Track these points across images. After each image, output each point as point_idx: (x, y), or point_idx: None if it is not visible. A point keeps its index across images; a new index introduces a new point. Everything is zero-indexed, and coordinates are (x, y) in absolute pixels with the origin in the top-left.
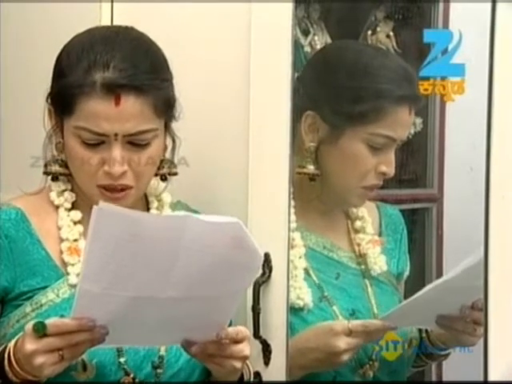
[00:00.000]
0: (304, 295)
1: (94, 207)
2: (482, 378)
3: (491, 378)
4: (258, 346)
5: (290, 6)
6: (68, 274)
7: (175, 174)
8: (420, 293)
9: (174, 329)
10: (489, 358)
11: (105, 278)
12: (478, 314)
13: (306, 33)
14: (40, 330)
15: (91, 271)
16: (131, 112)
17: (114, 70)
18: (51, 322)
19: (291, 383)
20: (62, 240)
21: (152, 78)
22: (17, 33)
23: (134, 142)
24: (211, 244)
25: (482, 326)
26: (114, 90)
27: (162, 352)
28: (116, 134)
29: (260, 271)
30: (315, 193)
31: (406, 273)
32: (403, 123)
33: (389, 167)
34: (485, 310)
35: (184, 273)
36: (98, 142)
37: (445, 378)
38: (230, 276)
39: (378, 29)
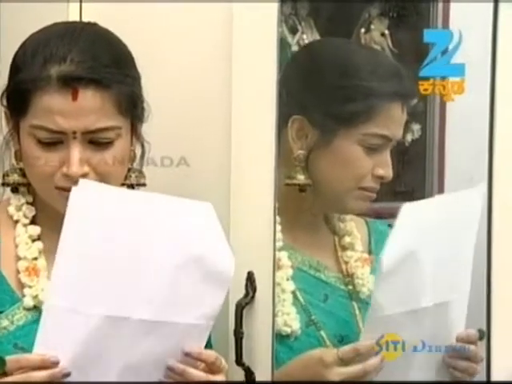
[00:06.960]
0: (292, 322)
1: (73, 188)
2: (484, 378)
3: (494, 378)
4: (241, 373)
5: (275, 1)
6: (24, 296)
7: (144, 184)
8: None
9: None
10: (491, 358)
11: (74, 290)
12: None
13: (293, 31)
14: None
15: (60, 284)
16: (90, 107)
17: (72, 62)
18: (12, 358)
19: (291, 383)
20: (19, 258)
21: (113, 72)
22: None
23: (95, 141)
24: (182, 224)
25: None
26: (70, 84)
27: None
28: (74, 132)
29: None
30: (306, 205)
31: None
32: (396, 120)
33: (385, 169)
34: (487, 309)
35: (154, 285)
36: (55, 141)
37: None
38: (200, 291)
39: (372, 27)
